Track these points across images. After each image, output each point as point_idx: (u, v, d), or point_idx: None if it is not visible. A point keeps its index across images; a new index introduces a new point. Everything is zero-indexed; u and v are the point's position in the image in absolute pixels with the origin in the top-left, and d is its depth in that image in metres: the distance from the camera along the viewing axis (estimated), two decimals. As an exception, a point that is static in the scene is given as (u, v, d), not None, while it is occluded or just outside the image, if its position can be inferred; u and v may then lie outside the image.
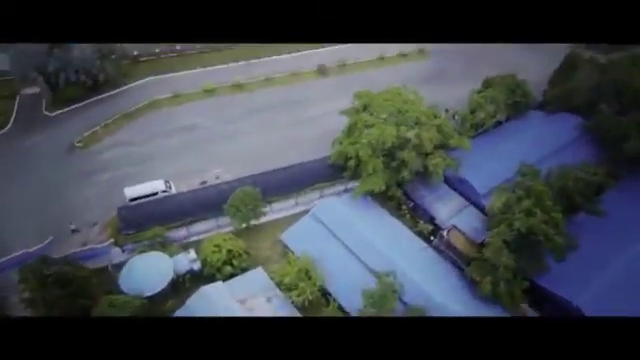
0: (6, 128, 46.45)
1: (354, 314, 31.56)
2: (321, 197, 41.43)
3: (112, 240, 36.61)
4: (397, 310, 31.05)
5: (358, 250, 35.09)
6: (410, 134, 36.98)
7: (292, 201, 41.06)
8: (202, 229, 38.35)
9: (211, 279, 33.39)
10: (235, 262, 34.18)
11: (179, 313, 30.90)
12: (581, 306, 31.39)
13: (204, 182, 42.18)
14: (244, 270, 34.40)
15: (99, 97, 49.83)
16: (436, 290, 32.51)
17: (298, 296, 32.21)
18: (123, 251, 36.37)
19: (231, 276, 33.66)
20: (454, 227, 37.42)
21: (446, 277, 34.78)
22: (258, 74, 54.72)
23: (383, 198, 40.25)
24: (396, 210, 40.40)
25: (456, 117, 45.82)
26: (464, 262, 35.24)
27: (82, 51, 46.82)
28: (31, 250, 34.07)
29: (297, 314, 31.65)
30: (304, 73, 55.93)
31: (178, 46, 56.10)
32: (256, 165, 41.93)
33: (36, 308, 29.80)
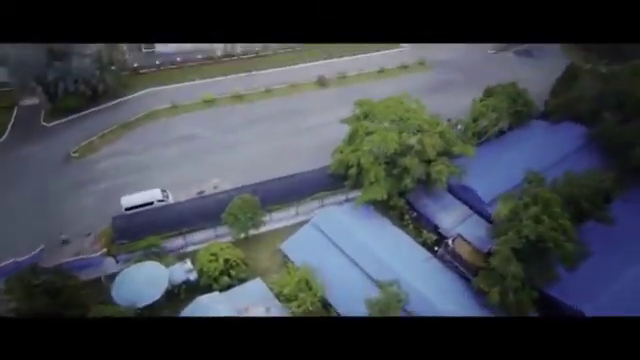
0: (2, 137, 45.89)
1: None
2: (322, 206, 40.49)
3: (105, 250, 35.46)
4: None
5: (359, 260, 34.05)
6: (412, 140, 36.34)
7: (292, 211, 40.09)
8: (200, 239, 37.18)
9: (208, 290, 32.14)
10: (233, 272, 32.97)
11: (174, 324, 29.53)
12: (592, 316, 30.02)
13: (201, 192, 41.30)
14: (242, 281, 33.17)
15: (97, 108, 49.44)
16: (442, 300, 31.30)
17: (298, 307, 31.05)
18: (117, 261, 35.18)
19: (228, 287, 32.44)
20: (459, 236, 36.35)
21: (451, 287, 33.59)
22: (258, 85, 54.56)
23: (385, 208, 39.33)
24: (399, 220, 39.42)
25: (459, 126, 45.35)
26: (470, 272, 34.02)
27: (81, 61, 46.65)
28: (20, 260, 32.87)
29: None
30: (304, 84, 55.78)
31: (178, 58, 56.15)
32: (255, 175, 41.09)
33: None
